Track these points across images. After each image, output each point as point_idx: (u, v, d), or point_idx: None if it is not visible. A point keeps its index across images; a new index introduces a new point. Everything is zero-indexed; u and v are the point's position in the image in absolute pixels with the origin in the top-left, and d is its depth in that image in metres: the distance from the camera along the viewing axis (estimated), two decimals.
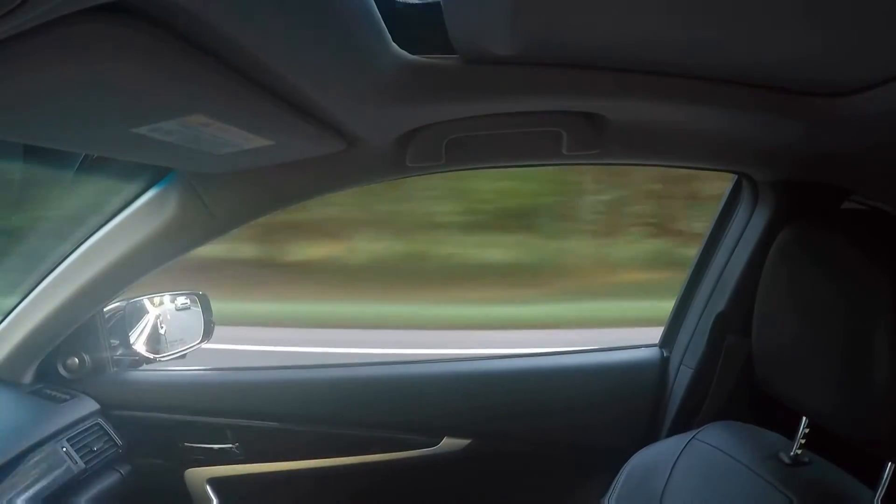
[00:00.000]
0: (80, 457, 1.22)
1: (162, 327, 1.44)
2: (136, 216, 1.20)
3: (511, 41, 0.73)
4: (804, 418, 0.88)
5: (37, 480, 1.12)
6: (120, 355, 1.41)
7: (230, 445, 1.41)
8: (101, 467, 1.28)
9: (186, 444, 1.41)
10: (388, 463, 1.42)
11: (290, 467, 1.43)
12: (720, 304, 1.33)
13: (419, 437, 1.43)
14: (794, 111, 0.86)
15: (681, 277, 1.47)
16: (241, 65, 0.60)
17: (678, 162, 1.25)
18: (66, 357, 1.36)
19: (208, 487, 1.44)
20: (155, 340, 1.43)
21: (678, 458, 0.97)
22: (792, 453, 0.89)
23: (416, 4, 0.75)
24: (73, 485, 1.19)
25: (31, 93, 0.53)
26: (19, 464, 1.11)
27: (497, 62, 0.79)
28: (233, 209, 1.20)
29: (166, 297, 1.47)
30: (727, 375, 1.32)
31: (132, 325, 1.41)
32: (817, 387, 0.80)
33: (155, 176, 1.18)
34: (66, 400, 1.30)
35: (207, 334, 1.48)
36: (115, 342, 1.40)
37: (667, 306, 1.49)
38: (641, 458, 1.05)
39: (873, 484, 0.79)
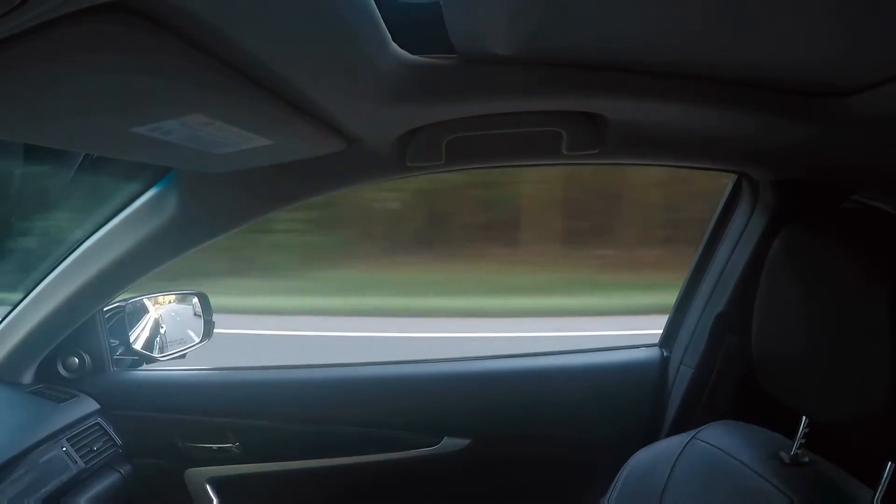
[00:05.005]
0: (80, 457, 1.22)
1: (162, 327, 1.44)
2: (136, 216, 1.20)
3: (511, 41, 0.73)
4: (804, 418, 0.88)
5: (37, 480, 1.12)
6: (120, 355, 1.41)
7: (230, 445, 1.41)
8: (101, 467, 1.28)
9: (186, 444, 1.41)
10: (388, 463, 1.42)
11: (291, 467, 1.43)
12: (720, 304, 1.33)
13: (419, 436, 1.43)
14: (795, 111, 0.86)
15: None
16: (241, 64, 0.60)
17: (678, 162, 1.25)
18: (66, 357, 1.36)
19: (208, 487, 1.44)
20: (155, 340, 1.43)
21: (678, 457, 0.97)
22: (792, 453, 0.89)
23: (416, 4, 0.75)
24: (73, 485, 1.19)
25: (31, 93, 0.52)
26: (19, 464, 1.11)
27: (497, 62, 0.79)
28: (233, 209, 1.20)
29: (166, 297, 1.47)
30: (727, 375, 1.32)
31: (132, 325, 1.41)
32: (817, 386, 0.80)
33: (155, 176, 1.18)
34: (66, 400, 1.30)
35: (207, 334, 1.48)
36: (115, 342, 1.40)
37: None
38: (641, 458, 1.05)
39: (873, 484, 0.79)
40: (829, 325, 0.77)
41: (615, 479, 1.06)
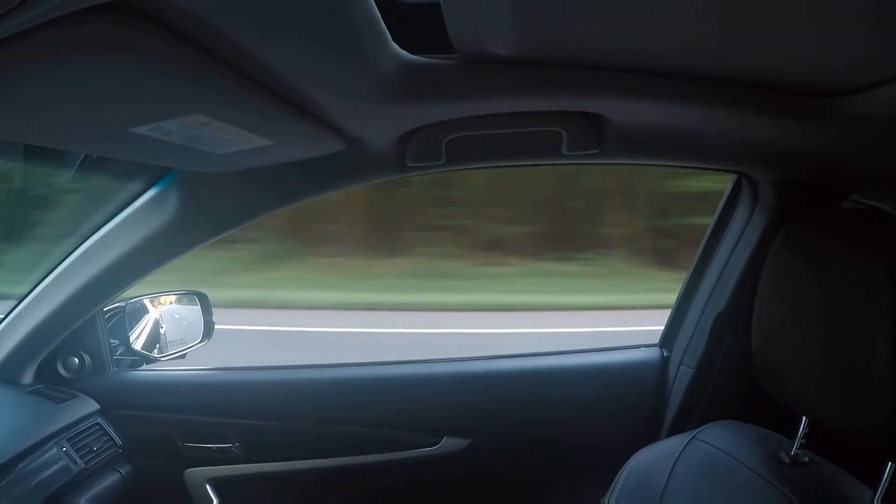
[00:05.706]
0: (80, 457, 1.22)
1: (162, 327, 1.44)
2: (136, 216, 1.20)
3: (511, 41, 0.73)
4: (804, 418, 0.88)
5: (37, 480, 1.12)
6: (120, 355, 1.41)
7: (230, 445, 1.41)
8: (101, 467, 1.28)
9: (186, 444, 1.41)
10: (388, 463, 1.42)
11: (290, 467, 1.43)
12: (720, 304, 1.32)
13: (419, 436, 1.43)
14: (794, 111, 0.86)
15: None
16: (241, 64, 0.60)
17: (678, 161, 1.25)
18: (66, 357, 1.36)
19: (208, 487, 1.44)
20: (155, 340, 1.43)
21: (678, 457, 0.97)
22: (792, 453, 0.89)
23: (416, 4, 0.75)
24: (73, 485, 1.19)
25: (31, 93, 0.52)
26: (19, 464, 1.11)
27: (497, 62, 0.79)
28: (233, 209, 1.20)
29: (166, 297, 1.47)
30: (727, 375, 1.32)
31: (132, 325, 1.41)
32: (817, 386, 0.80)
33: (155, 176, 1.18)
34: (66, 400, 1.30)
35: (207, 334, 1.48)
36: (115, 342, 1.40)
37: None
38: (641, 458, 1.05)
39: (873, 484, 0.79)
40: (829, 326, 0.77)
41: (615, 480, 1.06)
